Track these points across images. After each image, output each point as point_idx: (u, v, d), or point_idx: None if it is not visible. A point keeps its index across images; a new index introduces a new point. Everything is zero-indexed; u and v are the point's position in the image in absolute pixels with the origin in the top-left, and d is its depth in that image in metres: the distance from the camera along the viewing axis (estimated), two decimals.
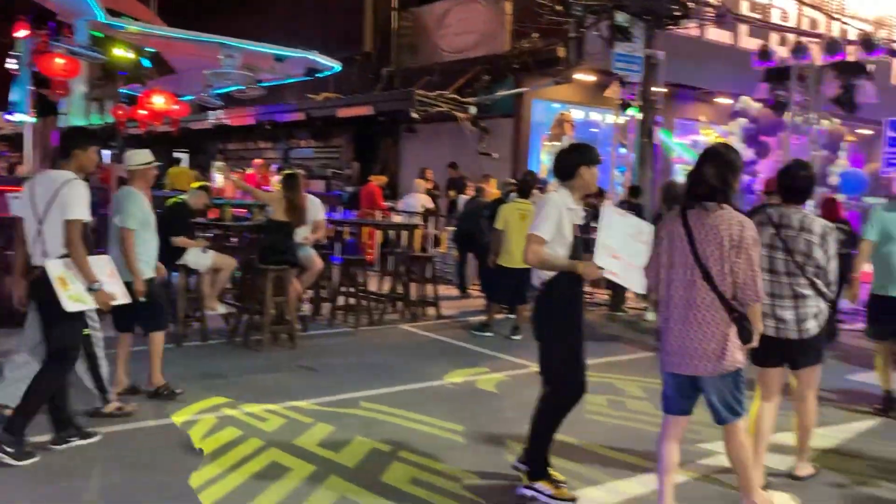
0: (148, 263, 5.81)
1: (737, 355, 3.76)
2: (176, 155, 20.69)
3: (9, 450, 4.52)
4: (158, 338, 5.98)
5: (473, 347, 8.34)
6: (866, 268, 6.27)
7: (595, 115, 16.87)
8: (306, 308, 9.00)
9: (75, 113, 10.32)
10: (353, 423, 5.56)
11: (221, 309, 8.28)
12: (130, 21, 10.08)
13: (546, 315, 4.33)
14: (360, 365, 7.34)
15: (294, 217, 7.68)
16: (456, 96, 14.83)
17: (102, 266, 4.90)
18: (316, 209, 8.58)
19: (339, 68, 11.24)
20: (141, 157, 5.98)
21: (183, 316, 7.84)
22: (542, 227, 4.14)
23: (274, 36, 14.31)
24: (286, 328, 7.95)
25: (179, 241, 7.50)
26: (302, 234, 8.21)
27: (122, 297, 4.94)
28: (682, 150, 18.08)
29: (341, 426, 5.46)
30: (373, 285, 10.23)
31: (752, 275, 3.72)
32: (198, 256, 7.76)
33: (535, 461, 4.37)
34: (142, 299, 5.56)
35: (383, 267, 10.49)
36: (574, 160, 4.36)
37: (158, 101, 11.25)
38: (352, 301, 9.31)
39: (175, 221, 7.59)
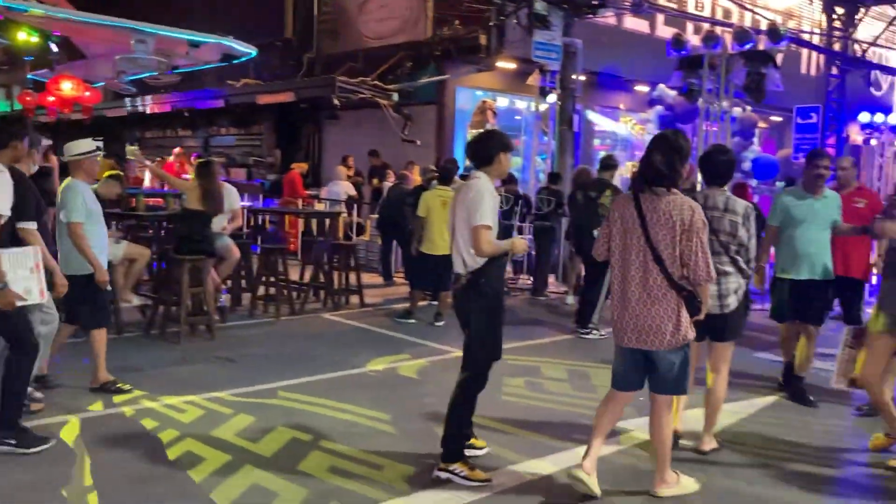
0: (100, 255, 5.67)
1: (688, 332, 4.04)
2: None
3: (11, 442, 4.52)
4: (100, 335, 5.81)
5: (396, 335, 8.36)
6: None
7: (518, 103, 17.02)
8: (226, 298, 8.85)
9: None
10: (273, 413, 5.52)
11: (136, 301, 8.08)
12: (34, 3, 9.68)
13: (478, 302, 4.38)
14: (280, 355, 7.27)
15: (209, 206, 7.54)
16: (378, 83, 14.77)
17: (25, 260, 4.65)
18: (232, 198, 8.44)
19: (256, 54, 11.06)
20: (82, 147, 5.78)
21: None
22: (487, 216, 4.23)
23: (193, 21, 13.99)
24: (204, 319, 7.81)
25: None
26: (219, 223, 8.07)
27: (33, 298, 4.68)
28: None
29: (261, 416, 5.41)
30: (294, 274, 10.14)
31: (703, 256, 3.97)
32: (111, 247, 7.53)
33: (451, 444, 4.43)
34: (104, 290, 5.58)
35: (305, 256, 10.39)
36: (493, 146, 4.45)
37: (67, 86, 10.88)
38: (272, 291, 9.20)
39: None
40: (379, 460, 4.68)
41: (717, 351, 4.96)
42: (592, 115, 18.32)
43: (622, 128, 19.04)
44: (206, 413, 5.47)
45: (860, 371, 4.93)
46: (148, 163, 8.83)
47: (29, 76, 14.74)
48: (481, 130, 4.85)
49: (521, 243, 4.61)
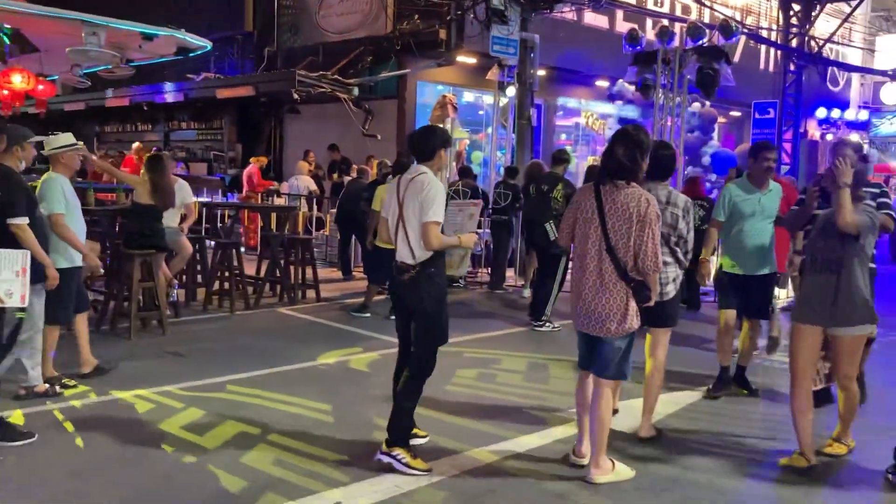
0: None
1: (633, 322, 4.26)
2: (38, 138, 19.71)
3: None
4: (52, 332, 5.78)
5: (350, 329, 8.37)
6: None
7: (478, 98, 17.08)
8: (178, 293, 8.80)
9: None
10: (221, 406, 5.51)
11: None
12: None
13: (430, 290, 4.48)
14: (231, 349, 7.25)
15: (160, 200, 7.48)
16: (338, 77, 14.72)
17: (13, 262, 4.58)
18: (184, 192, 8.38)
19: (210, 47, 10.94)
20: (61, 140, 5.84)
21: None
22: (439, 213, 4.38)
23: (153, 15, 13.84)
24: (156, 314, 7.75)
25: None
26: (171, 217, 8.02)
27: (13, 301, 4.58)
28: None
29: (209, 410, 5.40)
30: (252, 269, 10.11)
31: (653, 247, 4.14)
32: None
33: (397, 429, 4.50)
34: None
35: (264, 251, 10.36)
36: (435, 142, 4.58)
37: (17, 79, 10.68)
38: (227, 285, 9.16)
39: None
40: (320, 452, 4.70)
41: (655, 337, 5.09)
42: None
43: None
44: (155, 407, 5.45)
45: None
46: (94, 157, 8.70)
47: None
48: (424, 125, 4.93)
49: (469, 237, 4.74)
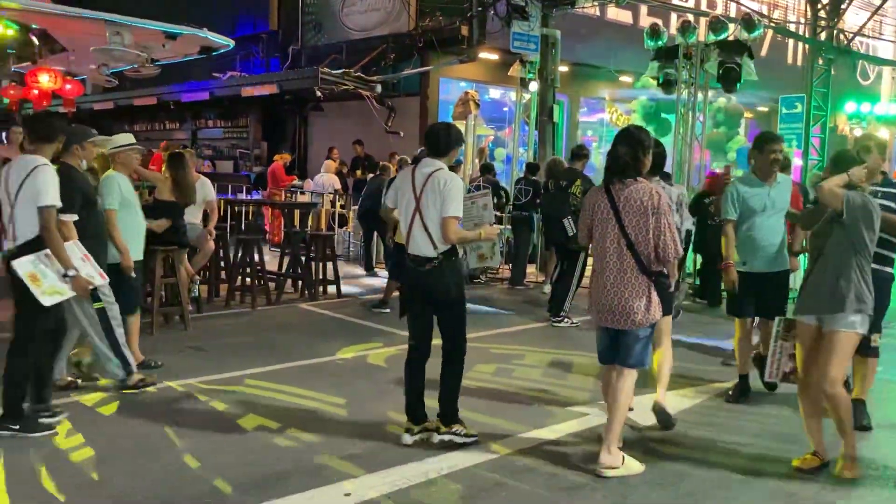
0: (132, 244, 6.01)
1: (656, 312, 4.36)
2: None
3: (13, 426, 4.68)
4: (130, 319, 6.06)
5: (370, 324, 8.44)
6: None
7: (501, 94, 17.08)
8: (200, 289, 8.92)
9: None
10: (239, 399, 5.59)
11: None
12: None
13: (454, 277, 4.73)
14: (251, 344, 7.35)
15: (181, 197, 7.59)
16: (361, 74, 14.81)
17: (75, 251, 4.92)
18: (206, 189, 8.49)
19: (233, 46, 11.08)
20: (119, 140, 6.18)
21: None
22: (458, 208, 4.59)
23: (178, 14, 14.02)
24: (178, 310, 7.88)
25: None
26: (193, 214, 8.13)
27: (98, 279, 5.03)
28: None
29: (228, 403, 5.49)
30: (274, 265, 10.22)
31: (671, 235, 4.27)
32: None
33: (452, 408, 4.82)
34: (131, 276, 5.92)
35: (285, 246, 10.47)
36: (453, 140, 4.80)
37: (44, 79, 10.90)
38: (249, 281, 9.28)
39: None
40: (333, 444, 4.76)
41: (658, 325, 5.02)
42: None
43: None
44: (175, 399, 5.57)
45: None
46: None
47: (13, 69, 14.68)
48: (442, 122, 5.09)
49: (490, 230, 5.05)
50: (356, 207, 13.01)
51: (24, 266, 4.64)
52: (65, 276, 4.71)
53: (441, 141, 4.76)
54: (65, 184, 4.89)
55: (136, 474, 4.27)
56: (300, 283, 9.91)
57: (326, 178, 14.49)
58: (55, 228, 4.69)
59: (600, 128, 19.46)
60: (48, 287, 4.66)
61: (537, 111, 13.12)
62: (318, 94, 14.47)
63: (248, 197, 15.20)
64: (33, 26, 10.67)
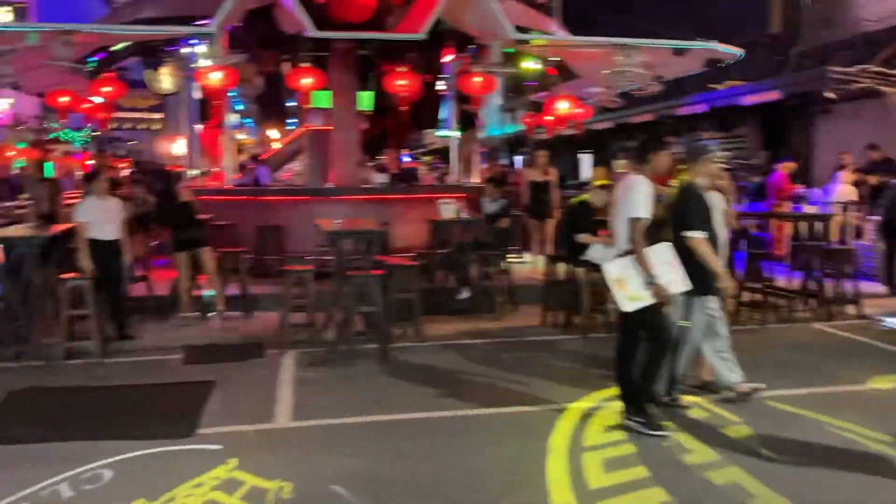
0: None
1: None
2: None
3: (639, 420, 5.13)
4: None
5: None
6: None
7: None
8: None
9: (491, 124, 11.45)
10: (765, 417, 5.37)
11: None
12: (536, 33, 10.82)
13: None
14: (765, 362, 7.00)
15: None
16: (882, 69, 13.21)
17: (662, 254, 5.07)
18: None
19: (742, 55, 10.76)
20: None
21: (589, 309, 8.23)
22: None
23: (672, 26, 14.19)
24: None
25: (583, 237, 7.92)
26: None
27: (676, 287, 5.05)
28: None
29: (750, 421, 5.33)
30: (782, 281, 9.65)
31: None
32: (601, 252, 8.05)
33: None
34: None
35: (794, 261, 9.80)
36: None
37: (563, 106, 11.92)
38: (758, 297, 8.89)
39: (578, 219, 8.03)
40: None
41: None
42: None
43: None
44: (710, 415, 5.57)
45: None
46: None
47: (530, 99, 16.40)
48: None
49: None
50: (874, 218, 11.64)
51: (612, 270, 5.03)
52: (648, 282, 4.93)
53: None
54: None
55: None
56: (812, 300, 9.18)
57: (840, 189, 13.17)
58: (640, 239, 4.94)
59: None
60: (632, 293, 4.96)
61: None
62: (829, 95, 13.29)
63: (750, 209, 14.63)
64: (549, 59, 11.75)
